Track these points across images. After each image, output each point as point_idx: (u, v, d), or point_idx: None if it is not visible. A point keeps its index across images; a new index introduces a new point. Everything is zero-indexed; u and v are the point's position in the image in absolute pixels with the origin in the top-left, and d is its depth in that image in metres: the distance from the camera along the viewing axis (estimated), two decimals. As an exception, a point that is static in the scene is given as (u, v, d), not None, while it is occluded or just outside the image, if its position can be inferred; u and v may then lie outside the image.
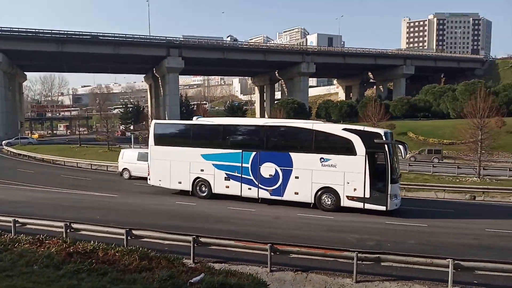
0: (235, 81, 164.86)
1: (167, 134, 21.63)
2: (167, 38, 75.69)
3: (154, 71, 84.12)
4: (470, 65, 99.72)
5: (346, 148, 16.87)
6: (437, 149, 43.95)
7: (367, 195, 16.54)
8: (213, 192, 19.56)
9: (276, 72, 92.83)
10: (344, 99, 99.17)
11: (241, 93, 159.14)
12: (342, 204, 17.14)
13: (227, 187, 19.22)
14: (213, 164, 19.40)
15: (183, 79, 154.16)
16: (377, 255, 9.60)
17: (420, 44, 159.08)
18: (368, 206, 16.62)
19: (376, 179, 16.47)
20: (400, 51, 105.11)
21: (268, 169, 18.26)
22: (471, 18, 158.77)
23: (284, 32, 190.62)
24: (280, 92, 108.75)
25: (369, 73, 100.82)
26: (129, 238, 11.14)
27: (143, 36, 74.71)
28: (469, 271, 9.17)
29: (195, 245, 10.65)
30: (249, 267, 10.17)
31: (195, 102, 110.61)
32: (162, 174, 20.55)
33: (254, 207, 18.03)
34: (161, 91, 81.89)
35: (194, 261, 10.43)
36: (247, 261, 10.57)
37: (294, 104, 72.07)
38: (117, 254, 9.29)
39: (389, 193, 16.29)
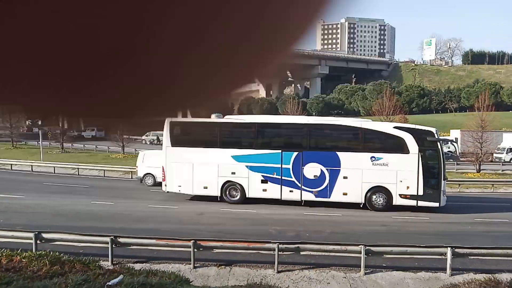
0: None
1: (188, 133, 19.15)
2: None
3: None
4: (378, 67, 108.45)
5: (398, 146, 16.57)
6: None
7: (420, 192, 16.38)
8: (247, 196, 17.84)
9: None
10: (264, 96, 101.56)
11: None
12: (394, 203, 16.84)
13: (265, 190, 17.63)
14: (247, 166, 17.61)
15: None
16: (297, 245, 10.02)
17: (334, 46, 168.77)
18: (421, 203, 16.50)
19: (429, 177, 16.46)
20: (315, 52, 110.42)
21: (312, 169, 17.15)
22: (378, 24, 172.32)
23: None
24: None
25: (288, 72, 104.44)
26: (38, 242, 10.19)
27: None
28: (379, 255, 10.00)
29: (114, 246, 10.11)
30: (172, 265, 9.95)
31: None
32: (182, 179, 17.88)
33: (177, 204, 17.67)
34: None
35: (112, 262, 9.91)
36: (170, 259, 10.34)
37: (215, 100, 71.90)
38: (23, 260, 8.46)
39: (442, 189, 16.48)
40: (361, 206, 17.07)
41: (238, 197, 17.92)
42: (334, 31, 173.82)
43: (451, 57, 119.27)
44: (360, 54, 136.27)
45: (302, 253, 10.10)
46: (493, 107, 50.66)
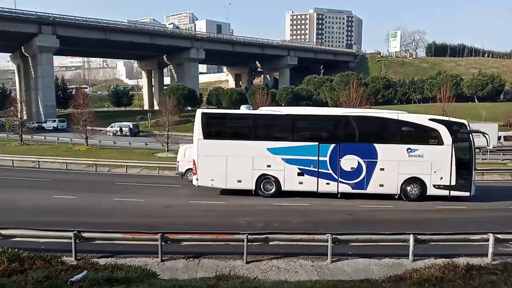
0: (120, 64, 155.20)
1: (221, 126, 18.68)
2: (38, 13, 67.29)
3: (23, 50, 74.24)
4: (345, 58, 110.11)
5: (433, 138, 17.02)
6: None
7: (453, 182, 16.89)
8: (282, 189, 17.63)
9: (164, 57, 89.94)
10: (234, 86, 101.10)
11: (126, 77, 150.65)
12: (428, 193, 17.15)
13: (301, 183, 17.44)
14: (283, 159, 17.42)
15: (59, 60, 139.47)
16: (266, 236, 10.06)
17: (303, 36, 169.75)
18: (453, 193, 17.00)
19: (462, 167, 16.93)
20: (284, 42, 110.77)
21: (349, 161, 17.19)
22: (345, 15, 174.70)
23: (172, 15, 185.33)
24: (169, 78, 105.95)
25: (257, 62, 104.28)
26: (-5, 239, 9.72)
27: (8, 10, 65.13)
28: (345, 243, 10.22)
29: (77, 241, 9.80)
30: (139, 259, 9.77)
31: (74, 86, 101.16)
32: (215, 173, 17.49)
33: (143, 197, 17.35)
34: (32, 72, 72.82)
35: (76, 258, 9.61)
36: (137, 253, 10.15)
37: (184, 91, 70.91)
38: (-21, 258, 8.04)
39: (473, 179, 17.03)
40: (396, 197, 17.38)
41: (273, 190, 17.72)
42: (303, 21, 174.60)
43: (415, 49, 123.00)
44: (328, 45, 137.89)
45: (271, 243, 10.17)
46: (454, 98, 52.98)
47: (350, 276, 9.15)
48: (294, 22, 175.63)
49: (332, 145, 17.23)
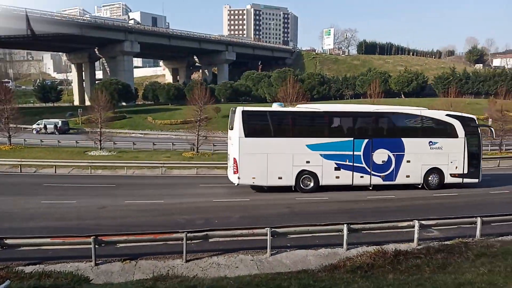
0: (47, 56, 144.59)
1: (262, 123, 18.37)
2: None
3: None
4: (282, 55, 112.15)
5: (450, 131, 18.93)
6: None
7: (465, 171, 19.03)
8: (320, 184, 18.16)
9: (96, 50, 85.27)
10: (171, 81, 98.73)
11: (54, 71, 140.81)
12: (445, 182, 19.01)
13: (337, 177, 18.22)
14: (321, 155, 17.97)
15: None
16: (205, 233, 10.01)
17: (241, 32, 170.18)
18: (466, 180, 19.16)
19: (472, 157, 19.11)
20: (222, 37, 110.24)
21: (381, 155, 18.41)
22: (282, 12, 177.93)
23: (104, 6, 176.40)
24: (102, 72, 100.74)
25: (195, 57, 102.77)
26: None
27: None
28: (284, 236, 10.46)
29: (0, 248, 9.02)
30: (70, 265, 9.24)
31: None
32: (257, 171, 17.48)
33: (75, 199, 16.37)
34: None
35: (-2, 268, 8.83)
36: (69, 258, 9.58)
37: (118, 85, 67.73)
38: None
39: (480, 168, 19.38)
40: (419, 186, 19.04)
41: (312, 185, 18.18)
42: (241, 16, 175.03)
43: (348, 46, 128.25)
44: (266, 41, 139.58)
45: (210, 240, 10.14)
46: (382, 94, 56.33)
47: (289, 267, 9.41)
48: (232, 17, 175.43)
49: (366, 140, 18.40)
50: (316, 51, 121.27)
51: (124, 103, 71.72)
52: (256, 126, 18.23)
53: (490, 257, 8.73)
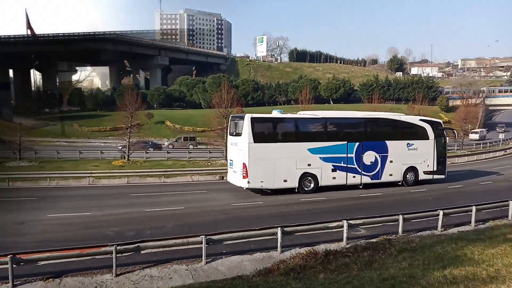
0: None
1: (269, 129, 19.62)
2: None
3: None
4: (217, 61, 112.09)
5: (423, 134, 21.50)
6: (192, 136, 47.72)
7: (435, 168, 21.67)
8: (319, 185, 19.37)
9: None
10: (99, 86, 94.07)
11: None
12: (420, 178, 21.46)
13: (334, 178, 19.66)
14: (320, 158, 19.25)
15: None
16: (137, 245, 9.61)
17: (173, 37, 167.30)
18: (435, 177, 21.76)
19: (440, 156, 21.92)
20: (155, 41, 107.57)
21: (369, 157, 20.30)
22: (215, 18, 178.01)
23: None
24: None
25: (126, 61, 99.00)
26: None
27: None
28: (219, 243, 10.38)
29: None
30: (-19, 289, 8.35)
31: None
32: (265, 174, 18.25)
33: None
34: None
35: None
36: (-21, 282, 8.64)
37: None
38: None
39: (446, 165, 22.30)
40: (400, 184, 21.17)
41: (312, 186, 19.34)
42: (173, 21, 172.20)
43: (280, 54, 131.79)
44: (200, 47, 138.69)
45: (143, 252, 9.74)
46: (313, 100, 58.66)
47: (224, 274, 9.36)
48: (165, 21, 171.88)
49: (357, 144, 20.14)
50: (250, 58, 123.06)
51: (47, 110, 67.00)
52: (264, 132, 19.22)
53: (411, 252, 9.42)
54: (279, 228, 10.67)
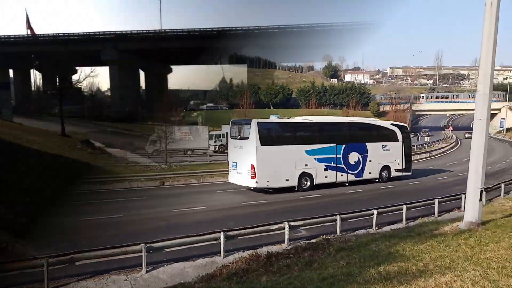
0: None
1: (273, 133, 21.54)
2: None
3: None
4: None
5: (393, 136, 24.61)
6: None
7: (403, 166, 24.84)
8: (314, 183, 21.31)
9: None
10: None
11: None
12: (392, 176, 24.35)
13: (326, 176, 21.79)
14: (315, 158, 21.29)
15: None
16: (71, 256, 9.05)
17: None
18: (404, 174, 24.93)
19: (407, 156, 25.26)
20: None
21: (353, 157, 22.73)
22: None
23: None
24: None
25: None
26: None
27: None
28: (160, 250, 10.10)
29: None
30: None
31: None
32: (270, 175, 19.88)
33: None
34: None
35: None
36: None
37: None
38: None
39: (411, 163, 26.11)
40: (377, 181, 23.84)
41: (308, 184, 21.23)
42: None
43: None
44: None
45: (78, 263, 9.21)
46: (253, 104, 59.56)
47: (166, 282, 9.15)
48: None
49: (344, 145, 22.46)
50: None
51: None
52: (269, 136, 20.86)
53: (348, 251, 9.86)
54: (222, 233, 10.63)
